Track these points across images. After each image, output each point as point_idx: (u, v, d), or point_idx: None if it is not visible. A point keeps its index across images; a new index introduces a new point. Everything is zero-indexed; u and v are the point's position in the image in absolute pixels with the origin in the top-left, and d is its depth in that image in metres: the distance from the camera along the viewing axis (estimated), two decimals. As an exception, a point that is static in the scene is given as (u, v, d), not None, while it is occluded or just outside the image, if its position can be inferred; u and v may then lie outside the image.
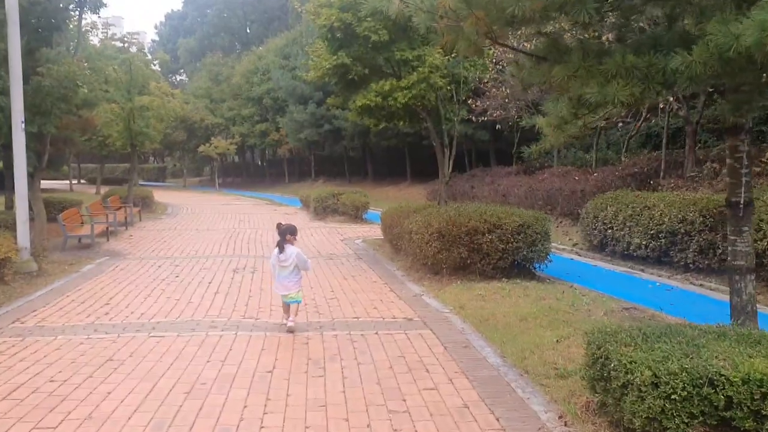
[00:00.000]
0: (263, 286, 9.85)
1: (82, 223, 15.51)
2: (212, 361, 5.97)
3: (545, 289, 9.07)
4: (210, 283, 10.09)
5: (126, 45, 22.42)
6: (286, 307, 7.26)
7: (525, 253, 9.97)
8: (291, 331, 6.98)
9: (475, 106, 23.82)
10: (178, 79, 70.77)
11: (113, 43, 21.97)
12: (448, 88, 12.32)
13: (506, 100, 23.68)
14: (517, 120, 24.13)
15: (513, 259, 9.99)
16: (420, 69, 11.27)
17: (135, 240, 16.03)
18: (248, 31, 64.60)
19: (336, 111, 33.82)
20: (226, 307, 8.32)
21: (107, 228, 15.84)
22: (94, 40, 22.13)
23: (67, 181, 48.72)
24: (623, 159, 20.89)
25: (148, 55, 23.25)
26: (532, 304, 8.00)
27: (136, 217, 21.13)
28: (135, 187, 26.52)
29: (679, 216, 11.00)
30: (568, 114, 5.88)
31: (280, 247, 7.25)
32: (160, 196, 35.62)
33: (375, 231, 18.26)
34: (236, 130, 46.58)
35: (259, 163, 61.70)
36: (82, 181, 53.02)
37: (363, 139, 34.95)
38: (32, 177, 12.59)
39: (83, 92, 17.08)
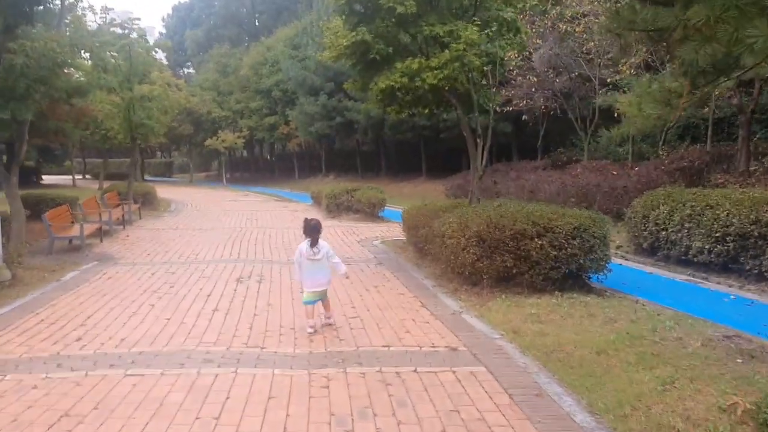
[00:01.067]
0: (271, 300, 8.34)
1: (72, 222, 14.05)
2: (202, 419, 4.46)
3: (610, 306, 7.51)
4: (209, 296, 8.58)
5: (126, 31, 20.92)
6: (311, 309, 6.86)
7: (581, 261, 8.42)
8: (328, 325, 6.93)
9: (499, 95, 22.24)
10: (185, 72, 69.38)
11: (112, 29, 20.43)
12: (484, 69, 10.72)
13: (533, 90, 22.10)
14: (544, 110, 22.54)
15: (567, 269, 8.43)
16: (454, 45, 9.68)
17: (131, 241, 14.57)
18: (257, 23, 63.08)
19: (349, 102, 32.34)
20: (225, 331, 6.80)
21: (101, 228, 14.38)
22: (93, 25, 20.58)
23: (73, 176, 47.58)
24: (661, 153, 19.29)
25: (150, 41, 21.55)
26: (603, 329, 6.45)
27: (136, 214, 19.70)
28: (136, 183, 25.13)
29: (751, 217, 9.40)
30: (680, 86, 4.31)
31: (314, 240, 6.89)
32: (164, 191, 34.28)
33: (394, 230, 16.76)
34: (244, 123, 45.15)
35: (268, 157, 60.28)
36: (88, 176, 51.77)
37: (377, 132, 33.40)
38: (7, 171, 11.11)
39: (76, 79, 15.66)
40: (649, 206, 12.12)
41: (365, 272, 10.55)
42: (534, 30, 18.97)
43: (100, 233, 14.43)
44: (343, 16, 10.88)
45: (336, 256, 7.17)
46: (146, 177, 59.51)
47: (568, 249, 8.26)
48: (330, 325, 6.97)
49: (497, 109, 22.85)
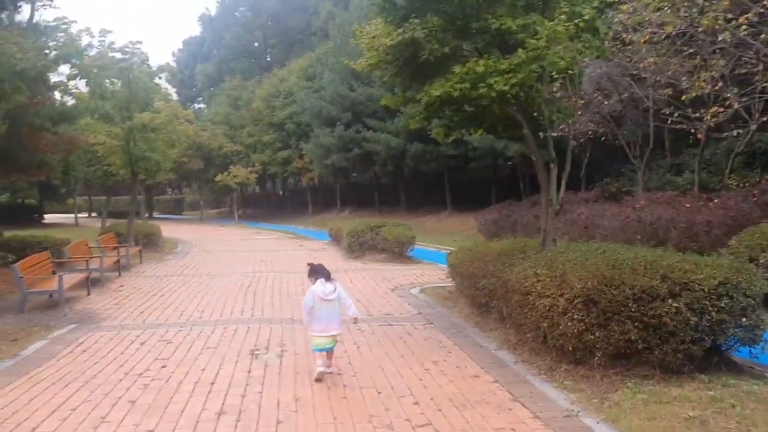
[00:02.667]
0: (299, 389, 5.98)
1: (54, 272, 11.79)
2: None
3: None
4: (212, 383, 6.22)
5: (127, 56, 18.96)
6: (324, 354, 6.44)
7: (732, 329, 6.02)
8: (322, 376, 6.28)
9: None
10: (195, 107, 68.01)
11: (111, 54, 18.48)
12: (568, 72, 8.42)
13: (578, 112, 19.82)
14: (591, 136, 20.24)
15: (712, 341, 6.03)
16: (532, 42, 7.43)
17: (124, 293, 12.27)
18: (268, 57, 61.72)
19: (368, 133, 30.29)
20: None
21: (88, 277, 12.11)
22: (92, 51, 18.67)
23: (78, 214, 45.71)
24: (730, 182, 16.95)
25: (152, 67, 19.61)
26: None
27: (136, 258, 17.46)
28: (139, 222, 23.05)
29: None
30: None
31: (327, 276, 6.58)
32: (172, 230, 32.19)
33: (429, 274, 14.50)
34: (257, 158, 43.28)
35: (281, 192, 58.35)
36: (94, 214, 49.86)
37: (397, 163, 31.26)
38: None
39: (61, 103, 13.60)
40: (757, 246, 9.78)
41: (414, 337, 8.17)
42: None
43: (87, 284, 12.15)
44: (384, 15, 8.69)
45: (348, 297, 6.76)
46: (155, 215, 57.68)
47: (714, 313, 5.87)
48: (320, 377, 6.27)
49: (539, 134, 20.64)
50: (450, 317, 9.50)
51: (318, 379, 6.20)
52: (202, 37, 68.48)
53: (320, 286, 6.46)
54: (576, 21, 8.21)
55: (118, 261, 15.01)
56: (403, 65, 8.88)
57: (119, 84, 18.44)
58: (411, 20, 8.17)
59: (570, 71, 8.41)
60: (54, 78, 16.52)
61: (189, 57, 69.24)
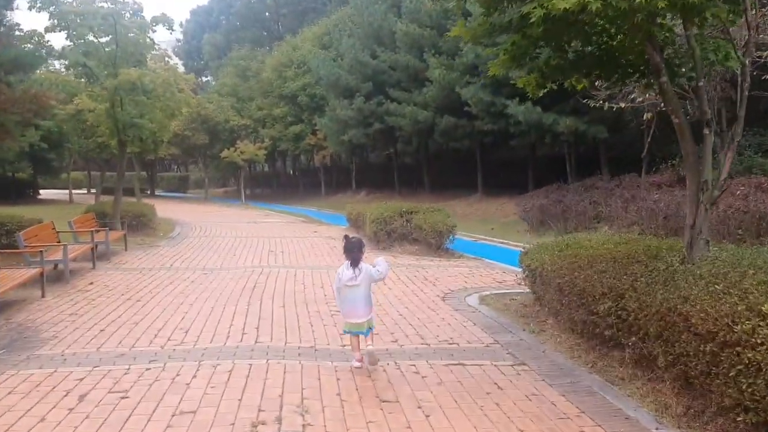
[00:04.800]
0: None
1: (-5, 266, 8.87)
2: None
3: None
4: None
5: (115, 6, 15.86)
6: (356, 341, 5.85)
7: None
8: (374, 363, 5.73)
9: (599, 88, 16.88)
10: (202, 81, 64.84)
11: (98, 5, 15.43)
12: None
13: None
14: (659, 110, 16.97)
15: None
16: None
17: (90, 295, 9.34)
18: (280, 26, 58.31)
19: (391, 105, 27.07)
20: None
21: (42, 273, 9.17)
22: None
23: (77, 190, 42.99)
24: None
25: (147, 19, 16.53)
26: None
27: (120, 244, 14.55)
28: (131, 201, 20.16)
29: None
30: None
31: (356, 261, 5.83)
32: (172, 210, 29.32)
33: (480, 274, 11.58)
34: (266, 133, 40.17)
35: (291, 171, 55.32)
36: (93, 190, 47.03)
37: (423, 140, 28.06)
38: None
39: (13, 49, 10.59)
40: None
41: (508, 393, 5.21)
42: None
43: (42, 282, 9.22)
44: None
45: (382, 271, 5.98)
46: (158, 192, 54.83)
47: None
48: (373, 362, 5.70)
49: (593, 104, 17.48)
50: (545, 351, 6.50)
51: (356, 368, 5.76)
52: (210, 6, 65.08)
53: (345, 268, 5.92)
54: None
55: (93, 248, 12.07)
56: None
57: (105, 38, 15.43)
58: None
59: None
60: (27, 25, 13.63)
61: (196, 27, 65.91)
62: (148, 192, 51.50)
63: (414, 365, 5.93)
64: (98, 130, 20.39)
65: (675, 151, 19.95)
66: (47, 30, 15.27)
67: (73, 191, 39.77)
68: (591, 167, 23.13)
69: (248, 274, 11.25)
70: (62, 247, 10.31)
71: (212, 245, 15.98)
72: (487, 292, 9.74)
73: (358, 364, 5.78)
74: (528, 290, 8.76)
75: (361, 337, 5.82)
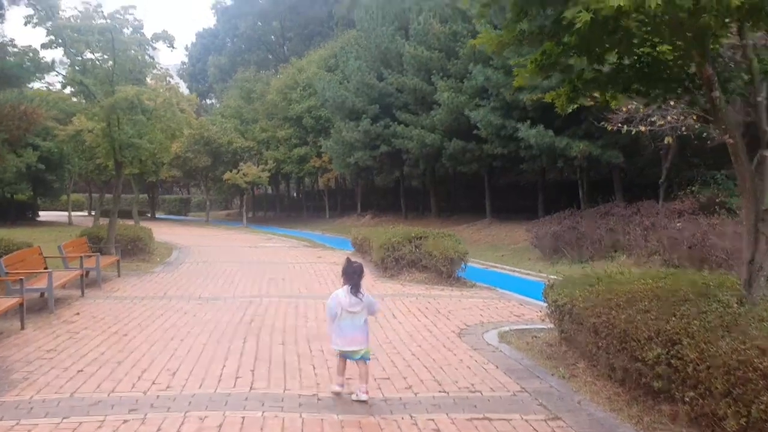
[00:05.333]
0: None
1: (-31, 296, 8.11)
2: None
3: None
4: None
5: (113, 23, 15.28)
6: (342, 365, 5.71)
7: None
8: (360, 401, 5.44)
9: (617, 111, 16.23)
10: (207, 103, 64.59)
11: (97, 21, 14.86)
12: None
13: (671, 102, 15.91)
14: (684, 132, 16.31)
15: None
16: None
17: (74, 328, 8.57)
18: (285, 49, 58.10)
19: (398, 127, 26.45)
20: None
21: (22, 303, 8.40)
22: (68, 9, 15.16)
23: (78, 212, 42.36)
24: None
25: (147, 36, 15.98)
26: None
27: (113, 269, 13.81)
28: (125, 224, 19.50)
29: None
30: None
31: (356, 287, 5.66)
32: (172, 233, 28.66)
33: (496, 305, 10.84)
34: (270, 155, 39.58)
35: (294, 194, 54.67)
36: (93, 212, 46.45)
37: (431, 163, 27.38)
38: None
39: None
40: None
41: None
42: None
43: (22, 312, 8.46)
44: None
45: (376, 303, 5.99)
46: (159, 215, 54.21)
47: None
48: (363, 402, 5.42)
49: (609, 127, 16.79)
50: (580, 402, 5.69)
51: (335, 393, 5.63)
52: (215, 29, 64.99)
53: (344, 292, 5.71)
54: None
55: (83, 275, 11.31)
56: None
57: (101, 54, 14.86)
58: None
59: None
60: (22, 40, 13.06)
61: (202, 50, 65.79)
62: (149, 215, 50.89)
63: (433, 420, 5.14)
64: (97, 151, 19.79)
65: (693, 176, 19.27)
66: (44, 46, 14.69)
67: (74, 213, 39.16)
68: (604, 193, 22.39)
69: (246, 305, 10.47)
70: (47, 274, 9.54)
71: (210, 272, 15.21)
72: (506, 328, 8.95)
73: (338, 388, 5.65)
74: (551, 326, 8.00)
75: (354, 365, 5.66)
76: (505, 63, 20.34)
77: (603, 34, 5.46)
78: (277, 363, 6.86)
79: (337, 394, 5.62)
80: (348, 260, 5.95)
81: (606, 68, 6.24)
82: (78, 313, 9.57)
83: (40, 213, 40.48)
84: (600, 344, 6.10)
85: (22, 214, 35.98)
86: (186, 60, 71.38)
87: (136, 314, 9.56)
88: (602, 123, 16.44)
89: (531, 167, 22.23)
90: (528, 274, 16.61)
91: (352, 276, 5.73)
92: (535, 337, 8.26)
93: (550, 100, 6.75)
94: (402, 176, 33.10)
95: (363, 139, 28.78)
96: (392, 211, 35.75)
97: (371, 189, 39.42)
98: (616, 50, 5.85)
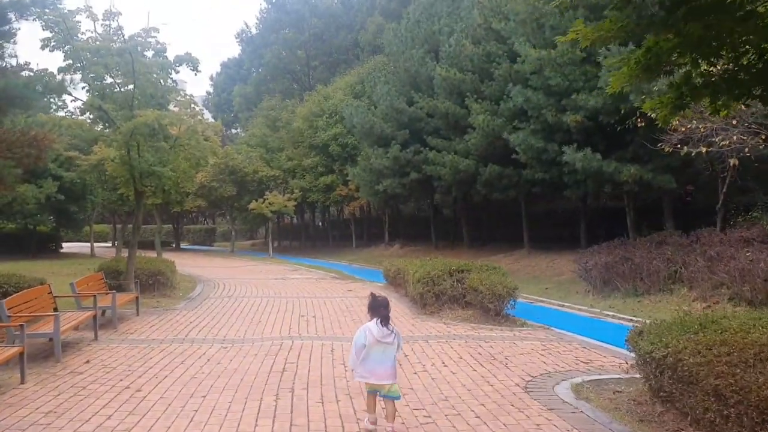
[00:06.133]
0: None
1: (-39, 345, 7.05)
2: None
3: None
4: None
5: (134, 44, 14.48)
6: (372, 401, 5.56)
7: None
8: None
9: (673, 131, 14.99)
10: (232, 132, 64.33)
11: (114, 44, 14.07)
12: None
13: (734, 121, 14.64)
14: (747, 153, 14.95)
15: None
16: None
17: (81, 382, 7.46)
18: (310, 78, 57.68)
19: (430, 153, 25.35)
20: None
21: (22, 353, 7.34)
22: (87, 32, 14.38)
23: (102, 244, 41.78)
24: None
25: (169, 59, 15.16)
26: None
27: (131, 307, 12.77)
28: (149, 257, 18.57)
29: None
30: None
31: (386, 319, 5.56)
32: (196, 264, 27.78)
33: (557, 348, 9.54)
34: (296, 184, 38.71)
35: (320, 224, 53.74)
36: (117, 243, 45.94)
37: (464, 190, 26.15)
38: None
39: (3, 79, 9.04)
40: None
41: None
42: None
43: (22, 364, 7.39)
44: None
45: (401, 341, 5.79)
46: (183, 245, 53.56)
47: None
48: None
49: (664, 149, 15.51)
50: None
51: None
52: (240, 58, 65.05)
53: (375, 325, 5.53)
54: None
55: (96, 316, 10.25)
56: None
57: (121, 78, 14.04)
58: None
59: None
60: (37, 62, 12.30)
61: (227, 80, 65.85)
62: (173, 245, 50.24)
63: None
64: (118, 181, 19.00)
65: (751, 201, 17.85)
66: (61, 70, 13.95)
67: (98, 244, 38.56)
68: (651, 220, 20.96)
69: (276, 350, 9.31)
70: (54, 317, 8.49)
71: (235, 308, 14.10)
72: (579, 379, 7.67)
73: (371, 426, 5.52)
74: (628, 375, 6.74)
75: (380, 402, 5.59)
76: (544, 83, 19.24)
77: (732, 22, 4.32)
78: (316, 430, 5.66)
79: (373, 429, 5.49)
80: (373, 295, 5.90)
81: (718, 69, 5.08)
82: (88, 361, 8.49)
83: (64, 244, 39.96)
84: (726, 413, 4.81)
85: (44, 245, 35.39)
86: (211, 90, 71.56)
87: (153, 362, 8.45)
88: (660, 145, 15.18)
89: (574, 193, 20.90)
90: (579, 309, 15.27)
91: (379, 309, 5.66)
92: (618, 392, 6.98)
93: (649, 111, 5.58)
94: (432, 204, 31.95)
95: (392, 165, 27.71)
96: (422, 240, 34.51)
97: (399, 217, 38.32)
98: (744, 44, 4.68)
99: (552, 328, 11.80)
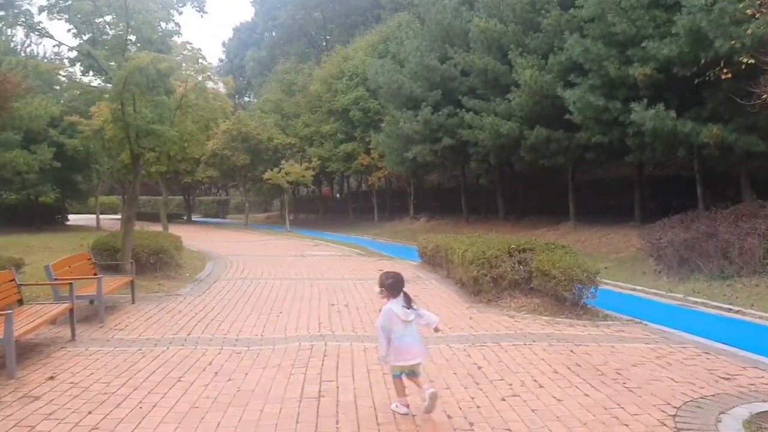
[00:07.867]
0: None
1: None
2: None
3: None
4: None
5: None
6: (401, 384, 5.22)
7: None
8: (434, 398, 4.99)
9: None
10: (244, 101, 61.83)
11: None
12: None
13: None
14: None
15: None
16: None
17: (35, 413, 5.19)
18: (325, 42, 54.84)
19: (467, 115, 22.74)
20: None
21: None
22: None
23: (111, 215, 39.81)
24: None
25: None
26: None
27: (126, 292, 10.54)
28: (153, 230, 16.40)
29: None
30: None
31: (408, 299, 5.24)
32: (207, 239, 25.58)
33: (675, 356, 7.26)
34: (313, 152, 36.26)
35: (337, 195, 51.42)
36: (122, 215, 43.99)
37: (504, 157, 23.54)
38: None
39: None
40: None
41: None
42: None
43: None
44: None
45: (426, 313, 5.38)
46: (195, 218, 51.55)
47: None
48: (433, 397, 4.97)
49: (748, 106, 12.91)
50: None
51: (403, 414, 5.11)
52: (254, 22, 62.25)
53: (396, 305, 5.19)
54: None
55: (73, 310, 7.97)
56: None
57: (112, 13, 11.65)
58: None
59: None
60: None
61: (239, 45, 63.15)
62: (185, 218, 48.18)
63: None
64: (112, 143, 16.73)
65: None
66: (41, 10, 11.60)
67: (106, 216, 36.49)
68: (720, 189, 18.39)
69: (305, 357, 7.00)
70: (3, 317, 6.19)
71: (250, 293, 11.83)
72: (742, 410, 5.33)
73: (405, 410, 5.16)
74: None
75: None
76: (606, 30, 16.58)
77: None
78: None
79: (407, 413, 5.12)
80: (386, 273, 5.44)
81: None
82: (52, 377, 6.23)
83: (71, 216, 38.02)
84: None
85: (49, 217, 33.41)
86: (223, 57, 68.97)
87: (141, 378, 6.16)
88: (757, 99, 12.56)
89: (637, 158, 18.32)
90: (656, 294, 12.89)
91: (398, 287, 5.28)
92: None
93: None
94: (464, 173, 29.42)
95: (422, 130, 25.10)
96: (449, 212, 32.11)
97: (423, 188, 35.90)
98: None
99: (647, 323, 9.42)
